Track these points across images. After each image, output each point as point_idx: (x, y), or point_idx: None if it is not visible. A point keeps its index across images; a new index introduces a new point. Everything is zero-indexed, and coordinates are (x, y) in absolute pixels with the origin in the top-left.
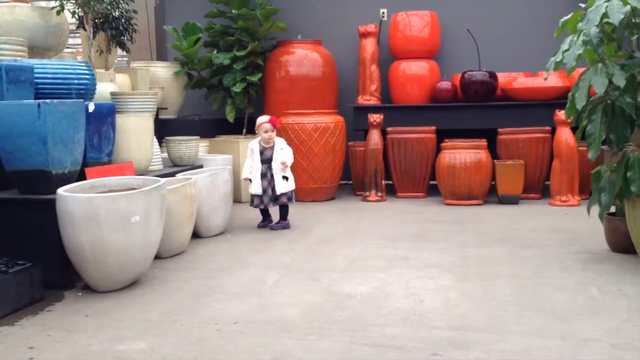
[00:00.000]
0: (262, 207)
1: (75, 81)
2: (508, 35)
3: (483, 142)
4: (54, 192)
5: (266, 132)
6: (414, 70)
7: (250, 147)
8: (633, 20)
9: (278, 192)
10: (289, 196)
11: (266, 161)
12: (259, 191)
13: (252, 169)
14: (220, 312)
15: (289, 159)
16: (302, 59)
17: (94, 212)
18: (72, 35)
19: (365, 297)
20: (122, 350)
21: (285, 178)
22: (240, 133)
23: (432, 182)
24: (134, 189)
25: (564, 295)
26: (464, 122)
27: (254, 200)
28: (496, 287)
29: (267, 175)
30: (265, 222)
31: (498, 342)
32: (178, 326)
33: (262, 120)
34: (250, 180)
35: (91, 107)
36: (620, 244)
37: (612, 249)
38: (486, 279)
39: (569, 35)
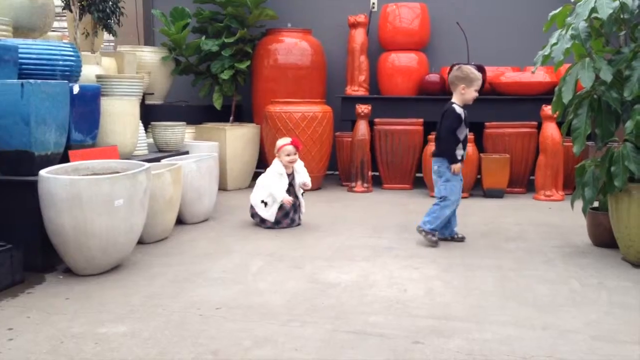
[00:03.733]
0: (281, 227)
1: (60, 62)
2: (497, 29)
3: (470, 136)
4: (36, 174)
5: (288, 155)
6: (403, 62)
7: (279, 172)
8: (622, 16)
9: (304, 211)
10: (301, 211)
11: (290, 186)
12: (271, 217)
13: (277, 193)
14: (203, 297)
15: (308, 179)
16: (291, 47)
17: (76, 195)
18: (58, 18)
19: (349, 286)
20: (103, 333)
21: (302, 195)
22: (227, 120)
23: (418, 174)
24: (117, 172)
25: (546, 287)
26: None
27: (266, 221)
28: (479, 278)
29: (295, 195)
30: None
31: (479, 332)
32: (160, 310)
33: (283, 142)
34: (265, 203)
35: (76, 89)
36: (603, 238)
37: (594, 243)
38: (469, 270)
39: (558, 30)
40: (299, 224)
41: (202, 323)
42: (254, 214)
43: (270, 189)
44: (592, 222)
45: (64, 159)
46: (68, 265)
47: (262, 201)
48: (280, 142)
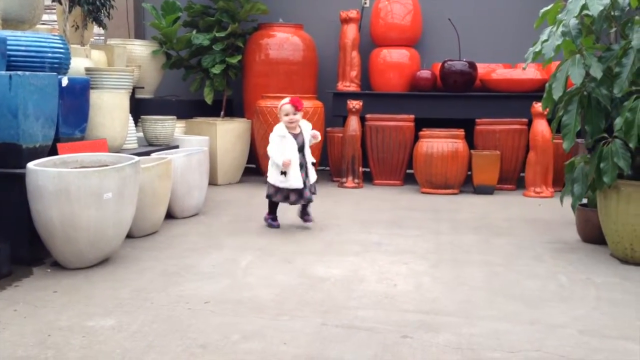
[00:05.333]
0: (300, 202)
1: (49, 54)
2: (489, 26)
3: (460, 132)
4: (24, 167)
5: (287, 114)
6: (395, 58)
7: (278, 134)
8: (612, 13)
9: (310, 182)
10: (314, 188)
11: (299, 149)
12: (300, 184)
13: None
14: (191, 291)
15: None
16: (282, 42)
17: (64, 188)
18: (48, 10)
19: (339, 280)
20: (90, 326)
21: (313, 164)
22: (218, 115)
23: (409, 171)
24: (107, 166)
25: (534, 282)
26: (442, 111)
27: (290, 196)
28: (468, 273)
29: (304, 166)
30: (275, 219)
31: (467, 326)
32: (148, 304)
33: (283, 102)
34: (283, 173)
35: (65, 82)
36: (591, 234)
37: (583, 239)
38: (458, 266)
39: (549, 26)
40: (309, 201)
41: (190, 317)
42: (268, 194)
43: (269, 151)
44: (581, 218)
45: (53, 152)
46: (56, 259)
47: (282, 172)
48: (281, 102)
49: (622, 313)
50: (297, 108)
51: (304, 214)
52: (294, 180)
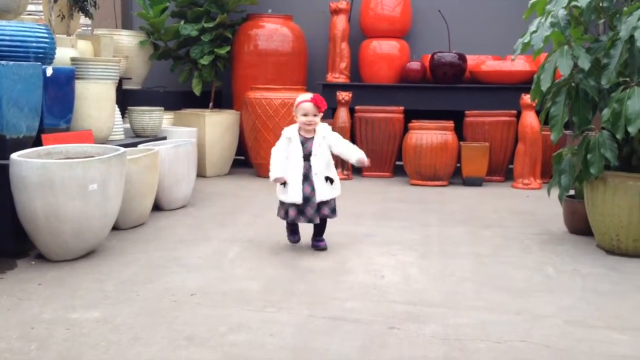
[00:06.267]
0: (301, 221)
1: (34, 44)
2: (478, 18)
3: (450, 124)
4: (8, 157)
5: (305, 114)
6: (384, 50)
7: (286, 136)
8: (600, 4)
9: (318, 200)
10: (332, 207)
11: (306, 157)
12: (298, 199)
13: (287, 166)
14: (178, 283)
15: (359, 153)
16: (271, 33)
17: (48, 179)
18: (33, 0)
19: (326, 272)
20: (75, 319)
21: (330, 180)
22: (206, 106)
23: (398, 163)
24: (92, 157)
25: (521, 273)
26: (432, 103)
27: (289, 211)
28: (456, 264)
29: (309, 177)
30: (294, 232)
31: (454, 317)
32: (134, 297)
33: (302, 98)
34: (283, 183)
35: (49, 72)
36: (578, 225)
37: (570, 231)
38: (446, 257)
39: (538, 17)
40: (311, 221)
41: (176, 309)
42: (278, 209)
43: (272, 157)
44: (568, 209)
45: (37, 142)
46: (41, 251)
47: (282, 183)
48: (300, 97)
49: (607, 303)
50: (319, 109)
51: (314, 238)
52: (292, 194)
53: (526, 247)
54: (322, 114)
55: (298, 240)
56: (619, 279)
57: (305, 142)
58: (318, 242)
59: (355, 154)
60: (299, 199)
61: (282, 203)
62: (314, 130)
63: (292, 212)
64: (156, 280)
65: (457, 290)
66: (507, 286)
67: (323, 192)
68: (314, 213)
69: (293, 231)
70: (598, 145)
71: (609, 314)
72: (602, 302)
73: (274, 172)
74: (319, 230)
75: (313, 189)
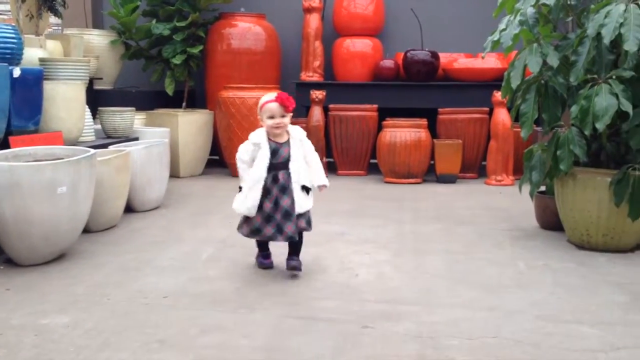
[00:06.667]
0: (279, 240)
1: (0, 44)
2: (451, 16)
3: (423, 122)
4: None
5: (271, 117)
6: (358, 48)
7: (253, 141)
8: (568, 2)
9: (297, 212)
10: (308, 218)
11: (281, 165)
12: (251, 211)
13: (252, 175)
14: (150, 286)
15: (323, 180)
16: (244, 32)
17: (16, 182)
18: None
19: (300, 272)
20: (44, 324)
21: (306, 190)
22: (179, 106)
23: (373, 161)
24: (61, 159)
25: (494, 269)
26: (405, 101)
27: (262, 228)
28: (429, 262)
29: (288, 188)
30: (266, 256)
31: (428, 314)
32: (105, 300)
33: (266, 98)
34: (240, 188)
35: (16, 72)
36: (549, 221)
37: (541, 226)
38: (420, 255)
39: (507, 15)
40: (291, 238)
41: (148, 312)
42: (238, 226)
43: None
44: (539, 205)
45: (5, 145)
46: (9, 255)
47: (240, 187)
48: (263, 98)
49: (577, 297)
50: (286, 108)
51: (290, 257)
52: (247, 204)
53: (498, 244)
54: (291, 114)
55: (270, 264)
56: (589, 274)
57: (279, 148)
58: (294, 262)
59: (319, 179)
60: (253, 212)
61: (246, 219)
62: (288, 133)
63: (267, 230)
64: (128, 283)
65: (431, 287)
66: (480, 282)
67: (301, 203)
68: (295, 229)
69: (265, 255)
70: (567, 141)
71: (579, 308)
72: (573, 296)
73: (245, 182)
74: (296, 247)
75: (293, 201)
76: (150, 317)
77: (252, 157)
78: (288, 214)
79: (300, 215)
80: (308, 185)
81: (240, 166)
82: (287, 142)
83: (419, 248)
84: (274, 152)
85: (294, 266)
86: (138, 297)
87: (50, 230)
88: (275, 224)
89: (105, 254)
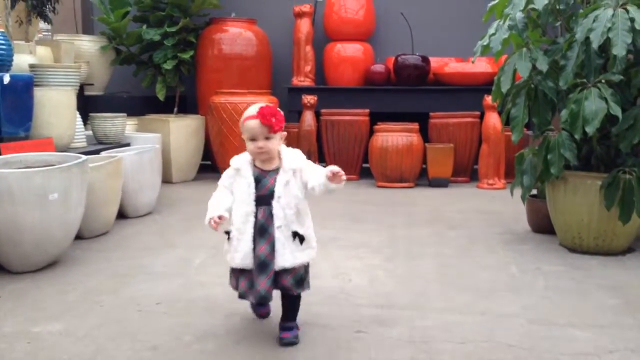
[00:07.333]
0: (249, 298)
1: None
2: (441, 20)
3: (415, 126)
4: None
5: (253, 139)
6: (349, 52)
7: (234, 166)
8: (557, 7)
9: (278, 266)
10: (299, 276)
11: (263, 199)
12: (245, 261)
13: (233, 213)
14: (143, 292)
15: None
16: (235, 37)
17: (7, 189)
18: None
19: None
20: (37, 332)
21: (299, 237)
22: (171, 112)
23: (365, 165)
24: (52, 166)
25: (486, 273)
26: (397, 105)
27: (239, 280)
28: (422, 266)
29: (267, 231)
30: (262, 311)
31: (421, 319)
32: (98, 307)
33: (247, 114)
34: (228, 234)
35: (6, 79)
36: (541, 224)
37: (533, 230)
38: (413, 259)
39: (497, 20)
40: (263, 299)
41: (141, 319)
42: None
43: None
44: (531, 209)
45: None
46: (0, 263)
47: (226, 232)
48: (246, 112)
49: (569, 301)
50: (270, 128)
51: (283, 322)
52: (239, 254)
53: (491, 247)
54: (281, 135)
55: (266, 313)
56: (581, 277)
57: (264, 177)
58: (286, 335)
59: (326, 169)
60: (245, 262)
61: (232, 270)
62: (279, 159)
63: (242, 283)
64: (121, 289)
65: (423, 292)
66: (472, 287)
67: (286, 256)
68: (269, 285)
69: (258, 310)
70: (558, 145)
71: (572, 311)
72: (565, 300)
73: (209, 210)
74: (287, 310)
75: (272, 249)
76: (143, 324)
77: (233, 183)
78: (263, 265)
79: (286, 272)
80: (301, 231)
81: (214, 195)
82: (276, 171)
83: (412, 252)
84: (256, 181)
85: (286, 342)
86: (131, 303)
87: (42, 237)
88: (249, 278)
89: (98, 260)
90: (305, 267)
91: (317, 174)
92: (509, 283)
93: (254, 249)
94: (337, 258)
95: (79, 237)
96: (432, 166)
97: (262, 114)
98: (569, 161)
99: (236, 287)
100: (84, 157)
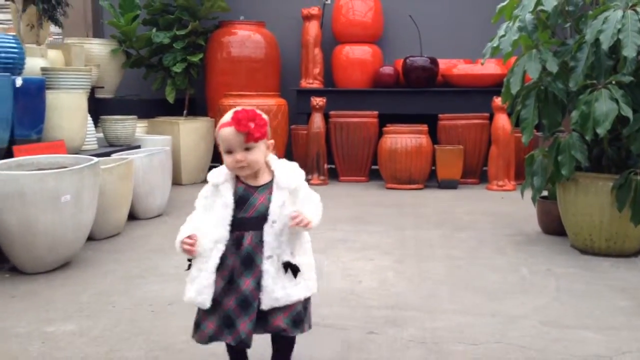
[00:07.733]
0: (227, 340)
1: (2, 54)
2: (449, 22)
3: (424, 127)
4: None
5: (229, 151)
6: (357, 55)
7: (213, 183)
8: (566, 8)
9: (267, 305)
10: (295, 314)
11: (250, 223)
12: (199, 297)
13: (204, 238)
14: (155, 293)
15: (314, 213)
16: (244, 40)
17: (20, 191)
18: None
19: None
20: (50, 332)
21: (292, 269)
22: (180, 114)
23: (374, 167)
24: (64, 168)
25: (496, 275)
26: (405, 107)
27: (202, 321)
28: (432, 267)
29: (254, 262)
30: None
31: (431, 320)
32: (110, 308)
33: (222, 120)
34: (189, 263)
35: (19, 82)
36: (552, 226)
37: (543, 231)
38: (423, 260)
39: (506, 22)
40: (242, 343)
41: (153, 319)
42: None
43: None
44: (542, 210)
45: (8, 154)
46: (14, 264)
47: (188, 260)
48: (222, 120)
49: (581, 303)
50: (250, 135)
51: None
52: (196, 285)
53: (501, 249)
54: (266, 143)
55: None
56: (593, 279)
57: (251, 194)
58: None
59: (308, 211)
60: (202, 299)
61: (198, 310)
62: (268, 172)
63: (210, 325)
64: (133, 290)
65: (434, 293)
66: (483, 288)
67: (277, 292)
68: (250, 329)
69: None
70: (568, 146)
71: (583, 313)
72: (576, 301)
73: (180, 233)
74: (280, 355)
75: (258, 285)
76: (156, 325)
77: (211, 203)
78: (246, 302)
79: (278, 310)
80: (294, 261)
81: (188, 218)
82: (267, 187)
83: (422, 254)
84: (240, 200)
85: None
86: (143, 304)
87: (54, 239)
88: (222, 315)
89: (110, 261)
90: (304, 303)
91: (307, 207)
92: (519, 284)
93: (234, 283)
94: (347, 260)
95: (90, 238)
96: (441, 168)
97: (236, 120)
98: (580, 162)
99: (203, 338)
100: (95, 159)
